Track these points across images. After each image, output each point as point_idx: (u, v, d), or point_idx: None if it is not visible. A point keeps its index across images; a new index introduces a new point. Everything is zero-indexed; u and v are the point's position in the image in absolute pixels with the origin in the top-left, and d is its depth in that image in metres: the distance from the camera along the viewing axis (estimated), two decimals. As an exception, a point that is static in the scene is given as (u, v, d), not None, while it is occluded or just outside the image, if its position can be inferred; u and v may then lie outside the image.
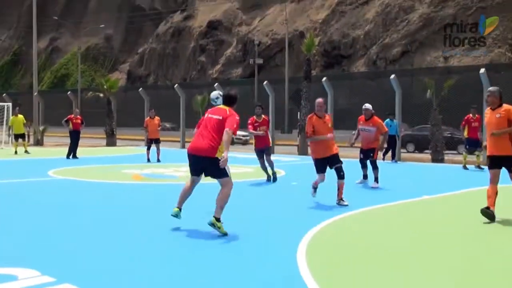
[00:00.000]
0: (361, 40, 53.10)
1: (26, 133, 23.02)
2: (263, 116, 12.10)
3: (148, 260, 5.24)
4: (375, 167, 11.17)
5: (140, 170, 14.25)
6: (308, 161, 18.89)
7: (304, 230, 6.53)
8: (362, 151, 11.53)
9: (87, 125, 21.19)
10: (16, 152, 21.02)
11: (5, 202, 8.85)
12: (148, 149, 18.03)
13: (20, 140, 21.62)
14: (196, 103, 28.40)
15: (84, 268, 4.92)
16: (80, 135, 19.96)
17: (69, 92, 34.45)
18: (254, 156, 17.59)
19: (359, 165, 11.60)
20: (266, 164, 12.09)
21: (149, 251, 5.63)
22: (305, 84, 22.78)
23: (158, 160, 17.46)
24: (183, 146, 26.17)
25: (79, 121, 19.74)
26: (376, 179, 11.09)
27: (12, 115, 22.53)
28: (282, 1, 60.17)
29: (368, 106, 11.26)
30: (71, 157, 18.68)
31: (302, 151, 22.43)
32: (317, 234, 6.44)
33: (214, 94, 7.40)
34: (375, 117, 11.23)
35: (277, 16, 62.60)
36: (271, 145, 12.50)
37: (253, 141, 13.15)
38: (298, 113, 23.21)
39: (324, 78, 21.88)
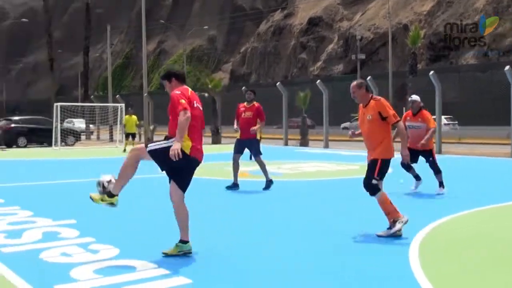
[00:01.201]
0: (470, 31, 50.44)
1: (137, 133, 24.16)
2: (254, 102, 10.15)
3: (257, 253, 5.30)
4: (437, 171, 9.44)
5: (246, 167, 14.49)
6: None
7: (415, 229, 6.30)
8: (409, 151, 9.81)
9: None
10: (124, 150, 22.11)
11: (123, 198, 9.33)
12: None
13: (130, 138, 22.77)
14: (298, 100, 28.40)
15: (198, 262, 5.07)
16: None
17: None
18: (359, 152, 17.28)
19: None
20: (257, 164, 10.31)
21: (252, 245, 5.70)
22: (410, 78, 22.08)
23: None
24: (286, 144, 26.32)
25: None
26: (441, 184, 9.39)
27: (126, 114, 23.75)
28: (385, -6, 58.64)
29: (415, 97, 9.62)
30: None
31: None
32: (430, 233, 6.19)
33: None
34: (424, 111, 9.53)
35: (379, 9, 61.11)
36: (258, 138, 10.31)
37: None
38: (403, 108, 22.52)
39: (432, 72, 21.02)
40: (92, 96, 42.23)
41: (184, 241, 5.19)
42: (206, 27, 76.84)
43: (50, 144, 25.76)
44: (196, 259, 5.16)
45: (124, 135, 23.59)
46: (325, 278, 4.57)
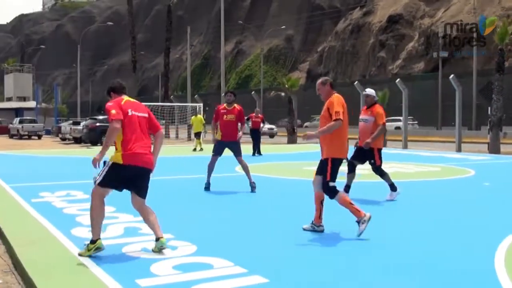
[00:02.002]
0: None
1: (202, 131, 24.14)
2: (235, 105, 9.85)
3: (335, 255, 5.22)
4: (381, 175, 8.89)
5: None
6: (501, 160, 17.44)
7: (503, 233, 5.99)
8: (356, 148, 8.99)
9: (270, 123, 22.00)
10: (195, 149, 22.46)
11: (199, 196, 9.50)
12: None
13: (196, 138, 23.14)
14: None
15: (275, 261, 5.05)
16: (261, 133, 20.69)
17: (253, 92, 36.14)
18: (439, 154, 16.71)
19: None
20: (241, 167, 9.95)
21: (335, 245, 5.61)
22: (497, 76, 21.04)
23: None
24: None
25: (259, 119, 20.56)
26: (392, 187, 8.79)
27: (192, 115, 24.17)
28: (469, -11, 56.32)
29: (369, 91, 8.99)
30: (256, 154, 19.57)
31: (493, 149, 20.73)
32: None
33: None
34: (377, 105, 8.91)
35: (464, 5, 58.76)
36: (239, 141, 10.00)
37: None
38: (489, 108, 21.51)
39: (520, 69, 19.93)
40: (171, 96, 43.43)
41: (93, 241, 5.17)
42: (284, 26, 77.00)
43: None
44: (275, 258, 5.15)
45: (192, 135, 23.96)
46: (406, 280, 4.42)
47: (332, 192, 6.09)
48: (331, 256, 5.30)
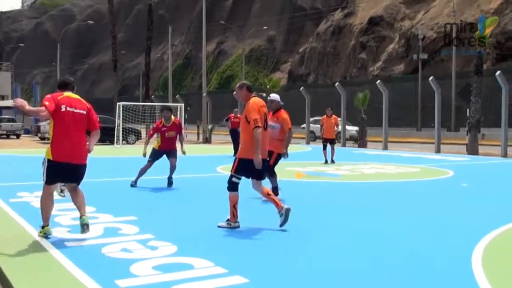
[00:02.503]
0: (540, 29, 48.27)
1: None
2: (173, 119, 10.44)
3: (317, 254, 5.24)
4: (271, 174, 8.67)
5: (302, 168, 14.42)
6: (479, 161, 17.69)
7: (480, 233, 6.08)
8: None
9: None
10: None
11: (181, 196, 9.49)
12: (324, 148, 16.55)
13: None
14: (357, 101, 28.04)
15: (255, 261, 5.07)
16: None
17: (234, 93, 36.10)
18: (419, 155, 16.91)
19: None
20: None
21: (316, 245, 5.64)
22: (475, 79, 21.33)
23: (332, 161, 16.27)
24: (344, 145, 26.00)
25: (238, 120, 20.53)
26: (275, 189, 8.57)
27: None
28: (449, -8, 57.03)
29: (273, 96, 8.99)
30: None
31: (471, 151, 21.02)
32: (495, 239, 5.95)
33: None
34: (282, 111, 8.94)
35: (444, 7, 59.44)
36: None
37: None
38: (467, 110, 21.80)
39: (498, 72, 20.24)
40: (152, 96, 43.19)
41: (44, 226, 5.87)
42: (265, 27, 77.09)
43: (112, 142, 26.53)
44: (255, 258, 5.16)
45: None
46: (382, 281, 4.46)
47: (231, 185, 6.55)
48: (310, 256, 5.32)
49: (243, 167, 6.51)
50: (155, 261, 4.93)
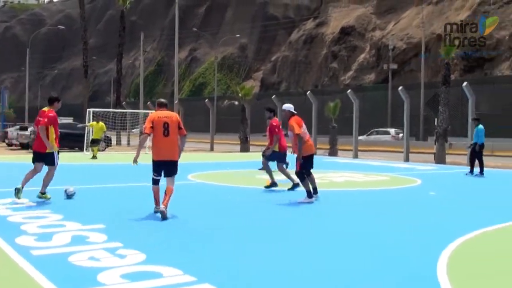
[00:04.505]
0: (506, 41, 49.53)
1: (100, 139, 23.39)
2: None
3: (286, 261, 5.27)
4: (302, 178, 9.82)
5: (277, 176, 14.46)
6: (446, 170, 18.00)
7: (445, 241, 6.19)
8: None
9: (222, 131, 21.89)
10: (94, 157, 21.02)
11: (150, 204, 9.41)
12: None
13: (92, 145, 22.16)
14: (328, 110, 28.29)
15: (224, 269, 5.06)
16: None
17: (206, 100, 36.05)
18: (388, 163, 17.09)
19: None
20: None
21: (285, 252, 5.66)
22: (443, 89, 21.76)
23: None
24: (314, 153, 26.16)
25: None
26: (315, 189, 9.71)
27: (94, 121, 23.50)
28: (418, 4, 58.08)
29: (284, 106, 9.95)
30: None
31: (439, 159, 21.39)
32: (460, 247, 6.07)
33: None
34: (292, 118, 9.61)
35: (413, 19, 60.52)
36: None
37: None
38: (435, 119, 22.20)
39: (465, 83, 20.69)
40: (124, 103, 42.81)
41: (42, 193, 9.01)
42: (238, 35, 77.28)
43: (81, 149, 26.17)
44: (224, 266, 5.16)
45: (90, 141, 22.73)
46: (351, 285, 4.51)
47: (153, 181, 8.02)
48: (280, 263, 5.34)
49: (154, 166, 8.19)
50: (123, 270, 4.89)
